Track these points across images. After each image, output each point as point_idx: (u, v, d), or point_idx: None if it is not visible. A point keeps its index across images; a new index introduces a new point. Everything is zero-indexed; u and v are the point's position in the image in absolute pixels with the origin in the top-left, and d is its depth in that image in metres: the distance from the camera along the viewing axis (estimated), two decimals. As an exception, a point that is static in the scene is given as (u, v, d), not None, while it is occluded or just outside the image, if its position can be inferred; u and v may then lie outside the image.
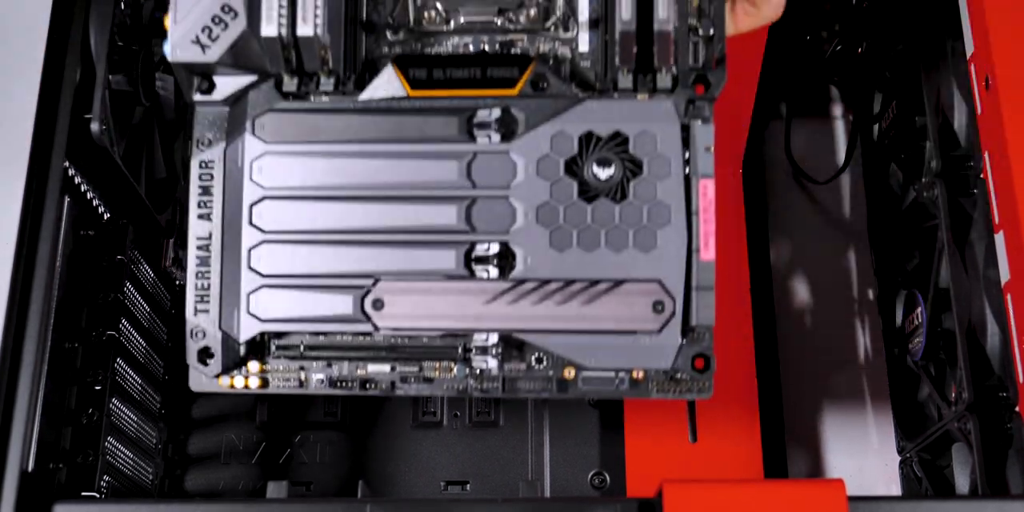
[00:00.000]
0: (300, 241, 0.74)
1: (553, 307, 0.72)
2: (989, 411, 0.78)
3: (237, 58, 0.71)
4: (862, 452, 1.07)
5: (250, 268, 0.73)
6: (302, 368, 0.75)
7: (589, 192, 0.72)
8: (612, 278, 0.71)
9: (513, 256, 0.72)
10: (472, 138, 0.73)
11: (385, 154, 0.74)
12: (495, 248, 0.73)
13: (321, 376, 0.75)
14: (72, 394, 0.73)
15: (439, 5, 0.74)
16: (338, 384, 0.75)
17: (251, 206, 0.74)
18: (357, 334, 0.74)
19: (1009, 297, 0.75)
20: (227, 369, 0.74)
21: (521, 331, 0.72)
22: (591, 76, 0.73)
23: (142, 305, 0.82)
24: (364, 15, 0.75)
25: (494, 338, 0.73)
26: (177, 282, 0.90)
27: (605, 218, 0.72)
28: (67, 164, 0.72)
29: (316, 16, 0.68)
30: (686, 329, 0.71)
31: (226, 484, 0.88)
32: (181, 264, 0.91)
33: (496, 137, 0.73)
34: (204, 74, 0.74)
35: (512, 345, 0.73)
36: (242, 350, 0.74)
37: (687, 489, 0.65)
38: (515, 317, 0.72)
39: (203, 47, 0.71)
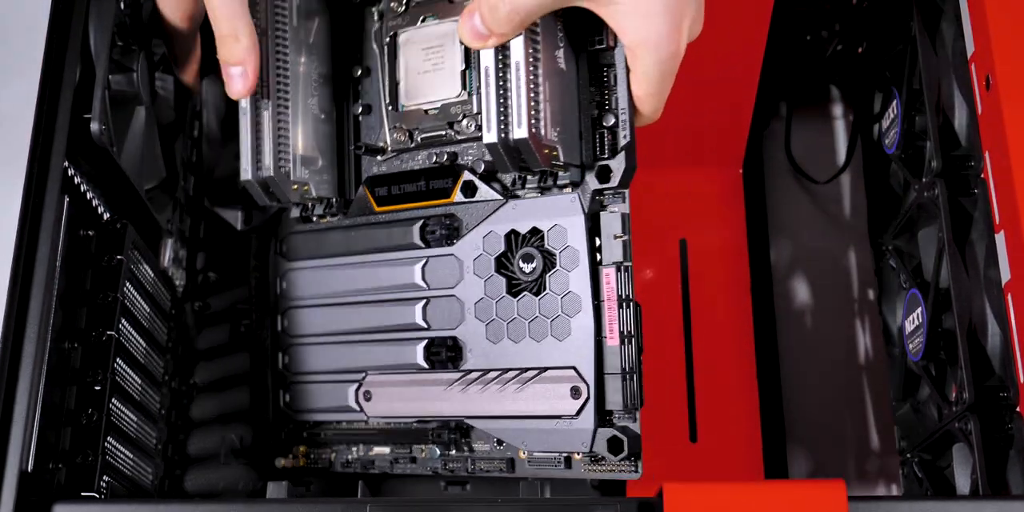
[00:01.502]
0: (309, 343, 0.86)
1: (492, 394, 0.78)
2: (990, 411, 0.78)
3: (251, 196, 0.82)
4: (862, 452, 1.07)
5: (283, 367, 0.87)
6: (333, 451, 0.86)
7: (515, 287, 0.77)
8: (537, 366, 0.76)
9: (461, 349, 0.79)
10: (427, 244, 0.80)
11: (364, 264, 0.83)
12: (447, 342, 0.79)
13: (343, 458, 0.86)
14: (72, 394, 0.73)
15: (404, 126, 0.82)
16: (351, 465, 0.85)
17: (280, 315, 0.87)
18: (356, 422, 0.84)
19: (1010, 297, 0.75)
20: (283, 451, 0.87)
21: (468, 417, 0.79)
22: (509, 179, 0.78)
23: (142, 305, 0.82)
24: (355, 143, 0.85)
25: (451, 424, 0.79)
26: (177, 282, 0.90)
27: (528, 310, 0.77)
28: (67, 164, 0.72)
29: (278, 159, 0.78)
30: (602, 412, 0.74)
31: (226, 484, 0.88)
32: (181, 264, 0.90)
33: (443, 241, 0.80)
34: (244, 208, 0.87)
35: (464, 429, 0.80)
36: (283, 435, 0.87)
37: (687, 489, 0.65)
38: (464, 404, 0.79)
39: None
